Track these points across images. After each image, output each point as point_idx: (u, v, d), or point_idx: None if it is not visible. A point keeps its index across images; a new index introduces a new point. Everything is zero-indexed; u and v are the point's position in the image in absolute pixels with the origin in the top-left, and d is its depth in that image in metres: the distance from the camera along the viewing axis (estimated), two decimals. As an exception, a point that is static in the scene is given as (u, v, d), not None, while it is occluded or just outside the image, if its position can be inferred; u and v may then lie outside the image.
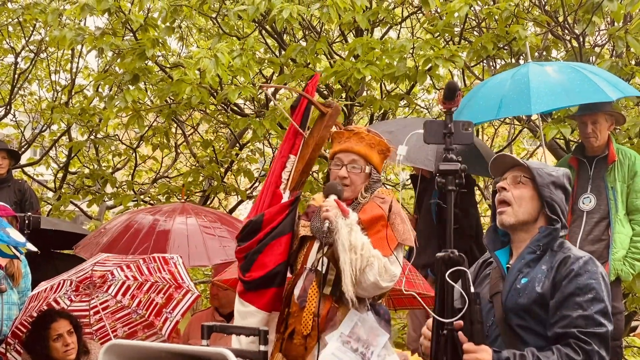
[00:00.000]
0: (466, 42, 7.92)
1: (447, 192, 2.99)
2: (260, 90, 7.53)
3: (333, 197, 4.02)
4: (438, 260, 2.96)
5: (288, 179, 4.43)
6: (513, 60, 7.52)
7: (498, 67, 7.84)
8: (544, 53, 7.79)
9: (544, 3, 7.55)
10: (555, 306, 3.02)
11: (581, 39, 7.32)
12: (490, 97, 5.76)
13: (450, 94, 3.06)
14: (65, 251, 7.66)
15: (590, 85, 5.45)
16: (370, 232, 4.00)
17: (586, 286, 3.01)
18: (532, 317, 3.07)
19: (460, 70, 8.51)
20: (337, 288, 4.00)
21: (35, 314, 5.12)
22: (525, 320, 3.08)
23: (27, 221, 6.09)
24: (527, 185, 3.23)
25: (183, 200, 7.37)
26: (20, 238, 4.67)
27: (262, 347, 3.73)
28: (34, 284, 5.80)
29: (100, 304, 5.48)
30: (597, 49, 8.00)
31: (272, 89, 8.80)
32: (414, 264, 6.23)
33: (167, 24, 7.67)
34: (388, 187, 10.67)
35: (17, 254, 4.89)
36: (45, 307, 5.18)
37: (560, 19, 7.44)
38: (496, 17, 7.25)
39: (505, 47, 7.34)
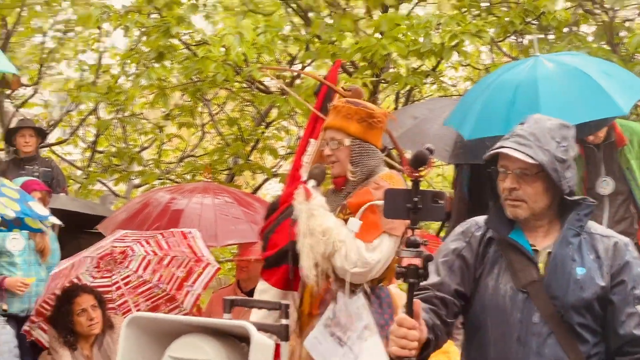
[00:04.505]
0: (493, 17, 7.82)
1: (408, 284, 2.51)
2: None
3: (312, 182, 3.95)
4: None
5: (308, 162, 4.46)
6: (537, 43, 7.38)
7: (526, 41, 7.73)
8: (574, 28, 7.66)
9: (573, -24, 7.44)
10: (621, 303, 2.76)
11: (611, 13, 7.19)
12: (496, 107, 5.24)
13: (418, 163, 2.55)
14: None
15: (602, 96, 5.00)
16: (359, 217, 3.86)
17: (637, 275, 2.80)
18: (590, 314, 2.76)
19: (488, 46, 8.40)
20: None
21: (58, 292, 5.15)
22: (585, 317, 2.76)
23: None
24: (538, 179, 2.78)
25: (208, 179, 7.36)
26: (44, 211, 4.71)
27: (283, 321, 3.73)
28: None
29: (122, 279, 5.49)
30: (627, 23, 7.85)
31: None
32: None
33: (192, 1, 7.66)
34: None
35: (44, 228, 4.93)
36: (68, 285, 5.20)
37: (590, -8, 7.32)
38: (525, -9, 7.15)
39: (534, 22, 7.23)
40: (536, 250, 2.85)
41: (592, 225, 2.89)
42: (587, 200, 2.86)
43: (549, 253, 2.82)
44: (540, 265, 2.82)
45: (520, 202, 2.81)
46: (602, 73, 5.17)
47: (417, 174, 2.55)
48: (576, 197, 2.84)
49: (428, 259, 2.51)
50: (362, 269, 3.79)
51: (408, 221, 3.75)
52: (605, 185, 5.59)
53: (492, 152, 2.83)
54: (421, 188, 2.57)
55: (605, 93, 4.98)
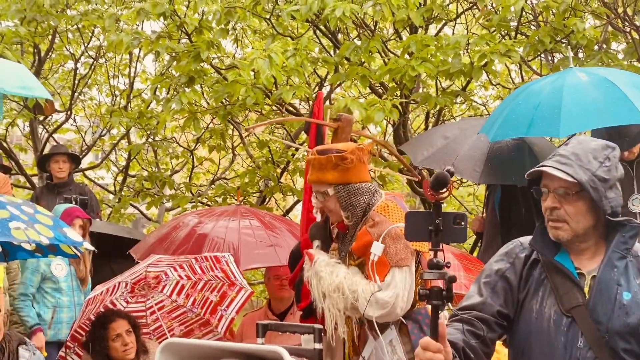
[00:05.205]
0: (523, 37, 7.80)
1: (432, 306, 2.50)
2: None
3: (316, 242, 4.09)
4: None
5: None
6: (572, 54, 7.36)
7: (556, 60, 7.69)
8: (604, 46, 7.61)
9: (602, -5, 7.39)
10: None
11: (642, 30, 7.15)
12: (523, 111, 5.41)
13: (439, 186, 2.56)
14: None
15: (625, 104, 5.04)
16: (366, 259, 3.91)
17: None
18: (635, 339, 2.71)
19: (517, 65, 8.38)
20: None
21: (92, 317, 5.19)
22: (631, 343, 2.71)
23: None
24: (580, 199, 2.76)
25: (238, 203, 7.39)
26: (78, 237, 4.74)
27: (317, 345, 3.74)
28: (92, 287, 5.93)
29: (156, 304, 5.53)
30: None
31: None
32: (482, 260, 6.20)
33: (222, 26, 7.72)
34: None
35: (78, 253, 4.97)
36: (103, 310, 5.24)
37: (620, 10, 7.26)
38: (553, 10, 7.11)
39: (563, 41, 7.20)
40: (581, 274, 2.81)
41: (637, 245, 2.83)
42: (632, 222, 2.81)
43: (594, 277, 2.78)
44: (586, 289, 2.78)
45: (561, 223, 2.78)
46: (631, 84, 5.22)
47: (438, 196, 2.55)
48: (620, 218, 2.80)
49: (451, 280, 2.49)
50: (383, 310, 3.83)
51: (415, 249, 3.85)
52: (637, 203, 5.54)
53: (533, 170, 2.84)
54: (443, 209, 2.58)
55: (628, 101, 5.01)
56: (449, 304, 2.57)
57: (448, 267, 2.50)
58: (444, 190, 2.56)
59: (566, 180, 2.75)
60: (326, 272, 3.91)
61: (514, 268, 2.88)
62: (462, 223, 2.51)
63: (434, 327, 2.48)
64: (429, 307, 3.92)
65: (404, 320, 3.91)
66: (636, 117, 5.01)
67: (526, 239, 2.94)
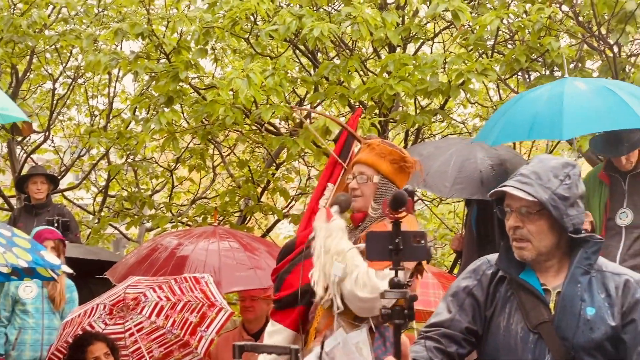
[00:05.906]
0: (499, 55, 7.87)
1: (394, 325, 2.48)
2: (293, 112, 7.56)
3: (335, 208, 4.03)
4: None
5: (325, 206, 4.49)
6: (547, 72, 7.44)
7: (532, 79, 7.76)
8: (579, 64, 7.69)
9: (577, 14, 7.47)
10: (632, 342, 2.73)
11: (615, 49, 7.22)
12: (523, 116, 5.51)
13: (397, 205, 2.57)
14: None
15: (626, 109, 5.14)
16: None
17: None
18: (601, 354, 2.74)
19: (495, 83, 8.45)
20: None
21: (70, 340, 5.16)
22: (597, 358, 2.74)
23: None
24: (542, 217, 2.79)
25: (215, 224, 7.38)
26: (55, 260, 4.72)
27: (294, 365, 3.72)
28: (70, 309, 5.90)
29: (135, 325, 5.51)
30: (632, 59, 7.89)
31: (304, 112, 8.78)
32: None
33: (200, 46, 7.73)
34: (426, 203, 10.61)
35: (55, 276, 4.95)
36: (80, 332, 5.21)
37: (594, 29, 7.35)
38: (529, 29, 7.18)
39: (539, 59, 7.27)
40: (547, 290, 2.84)
41: (604, 263, 2.87)
42: (594, 238, 2.84)
43: (559, 292, 2.81)
44: (551, 305, 2.81)
45: (525, 243, 2.82)
46: (627, 92, 5.34)
47: (396, 216, 2.56)
48: (582, 235, 2.83)
49: (412, 299, 2.50)
50: (370, 295, 3.75)
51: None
52: (624, 217, 5.56)
53: (494, 191, 2.88)
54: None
55: (628, 107, 5.12)
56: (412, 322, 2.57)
57: (409, 286, 2.51)
58: (402, 209, 2.55)
59: (527, 199, 2.79)
60: (337, 234, 3.90)
61: (481, 285, 2.93)
62: (422, 241, 2.52)
63: (397, 346, 2.49)
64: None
65: (373, 328, 3.90)
66: (636, 122, 5.11)
67: (493, 256, 2.98)
